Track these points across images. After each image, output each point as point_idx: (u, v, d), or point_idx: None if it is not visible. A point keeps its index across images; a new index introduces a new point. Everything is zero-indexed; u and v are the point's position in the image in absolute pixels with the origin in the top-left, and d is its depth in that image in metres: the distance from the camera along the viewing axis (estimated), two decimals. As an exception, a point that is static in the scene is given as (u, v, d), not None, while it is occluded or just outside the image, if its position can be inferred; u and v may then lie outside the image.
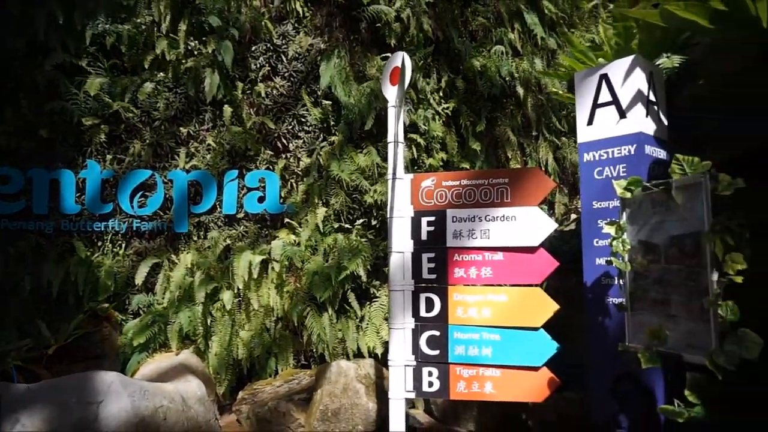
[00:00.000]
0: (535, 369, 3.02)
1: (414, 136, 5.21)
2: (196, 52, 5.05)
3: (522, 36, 6.04)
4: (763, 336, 1.82)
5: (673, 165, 2.23)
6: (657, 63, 3.13)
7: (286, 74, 5.23)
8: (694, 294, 2.07)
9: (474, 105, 5.69)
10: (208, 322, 4.65)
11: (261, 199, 5.00)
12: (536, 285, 3.09)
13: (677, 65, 3.11)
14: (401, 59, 3.19)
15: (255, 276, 4.67)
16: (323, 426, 4.03)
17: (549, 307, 3.01)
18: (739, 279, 1.89)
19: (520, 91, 5.80)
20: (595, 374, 2.89)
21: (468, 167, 5.48)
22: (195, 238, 4.98)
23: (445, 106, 5.47)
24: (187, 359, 4.45)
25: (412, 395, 3.20)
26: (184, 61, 5.02)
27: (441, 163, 5.33)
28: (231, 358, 4.62)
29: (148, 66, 4.95)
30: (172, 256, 4.90)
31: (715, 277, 1.98)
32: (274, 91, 5.18)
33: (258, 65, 5.19)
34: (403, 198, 3.25)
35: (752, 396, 2.04)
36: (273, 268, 4.77)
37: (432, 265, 3.21)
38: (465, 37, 5.76)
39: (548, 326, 3.05)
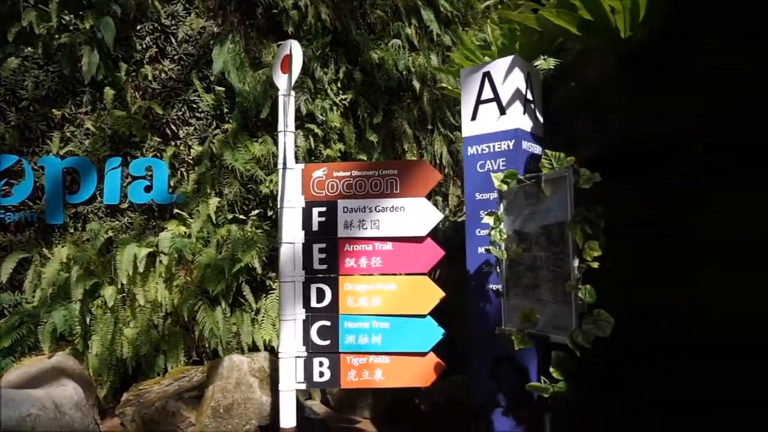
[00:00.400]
0: (423, 355, 3.12)
1: (311, 126, 5.16)
2: (71, 27, 4.62)
3: (419, 31, 6.18)
4: (615, 316, 2.02)
5: (543, 160, 2.39)
6: (535, 64, 3.33)
7: (176, 57, 4.95)
8: (559, 279, 2.24)
9: (371, 97, 5.74)
10: (87, 320, 4.32)
11: (148, 189, 4.71)
12: (424, 273, 3.18)
13: (552, 67, 3.33)
14: (290, 47, 3.14)
15: (141, 270, 4.40)
16: (215, 423, 3.91)
17: (435, 294, 3.12)
18: (595, 264, 2.07)
19: (417, 85, 5.93)
20: (477, 357, 3.04)
21: (365, 159, 5.53)
22: (71, 230, 4.58)
23: (343, 97, 5.46)
24: (61, 362, 4.11)
25: (303, 386, 3.19)
26: (57, 36, 4.57)
27: (339, 154, 5.32)
28: (114, 358, 4.33)
29: (13, 39, 4.45)
30: (44, 249, 4.48)
31: (576, 263, 2.15)
32: (163, 75, 4.88)
33: (144, 46, 4.86)
34: (293, 188, 3.21)
35: (604, 374, 2.26)
36: (161, 261, 4.53)
37: (323, 255, 3.21)
38: (363, 29, 5.78)
39: (438, 313, 3.15)
